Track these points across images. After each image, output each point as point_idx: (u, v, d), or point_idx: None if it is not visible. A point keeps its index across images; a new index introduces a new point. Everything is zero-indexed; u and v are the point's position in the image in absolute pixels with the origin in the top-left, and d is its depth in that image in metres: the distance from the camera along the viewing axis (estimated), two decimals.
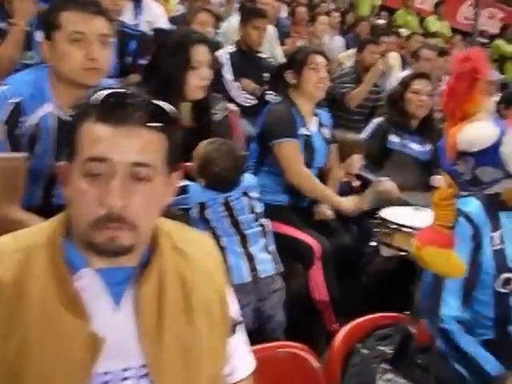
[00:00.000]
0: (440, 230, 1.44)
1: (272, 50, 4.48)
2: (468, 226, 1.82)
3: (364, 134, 3.20)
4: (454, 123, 1.37)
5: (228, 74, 3.54)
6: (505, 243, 1.89)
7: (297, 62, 2.65)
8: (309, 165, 2.62)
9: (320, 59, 2.65)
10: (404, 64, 5.67)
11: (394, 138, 3.12)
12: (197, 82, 2.19)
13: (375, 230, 2.68)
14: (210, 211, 2.08)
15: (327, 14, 6.10)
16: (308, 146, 2.61)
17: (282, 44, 5.15)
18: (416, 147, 3.17)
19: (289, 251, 2.36)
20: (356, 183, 3.06)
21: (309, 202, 2.68)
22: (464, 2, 13.28)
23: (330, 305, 2.38)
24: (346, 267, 2.55)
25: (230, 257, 2.03)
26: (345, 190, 2.96)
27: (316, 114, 2.74)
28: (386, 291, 2.61)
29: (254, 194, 2.20)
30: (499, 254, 1.88)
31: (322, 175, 2.80)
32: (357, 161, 2.97)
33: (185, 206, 2.08)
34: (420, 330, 1.94)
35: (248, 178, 2.21)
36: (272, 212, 2.36)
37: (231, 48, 3.69)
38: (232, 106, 3.25)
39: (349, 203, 2.55)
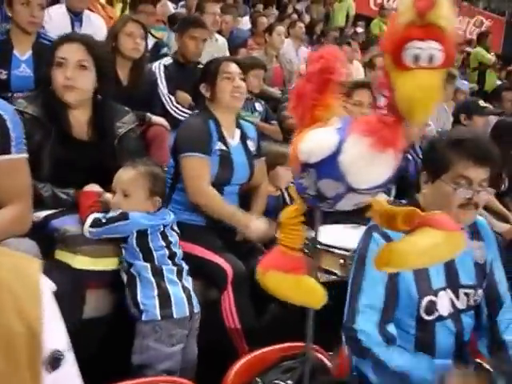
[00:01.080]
0: (287, 252, 1.22)
1: None
2: (382, 243, 1.60)
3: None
4: (303, 130, 1.13)
5: (162, 86, 3.31)
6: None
7: (210, 73, 2.46)
8: (227, 181, 2.41)
9: (233, 68, 2.46)
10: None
11: None
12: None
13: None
14: (150, 239, 1.96)
15: (292, 24, 5.89)
16: (226, 161, 2.40)
17: (237, 55, 4.97)
18: None
19: (203, 275, 2.20)
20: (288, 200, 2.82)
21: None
22: None
23: (242, 334, 2.14)
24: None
25: (171, 289, 1.95)
26: (276, 206, 2.72)
27: (239, 126, 2.50)
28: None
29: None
30: (422, 274, 1.66)
31: (251, 192, 2.57)
32: (282, 173, 2.73)
33: (122, 235, 1.94)
34: (340, 362, 1.72)
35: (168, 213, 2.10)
36: (187, 232, 2.19)
37: (167, 60, 3.47)
38: (159, 120, 3.03)
39: (258, 226, 2.29)
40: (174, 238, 2.04)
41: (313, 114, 1.13)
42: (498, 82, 8.00)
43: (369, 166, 1.00)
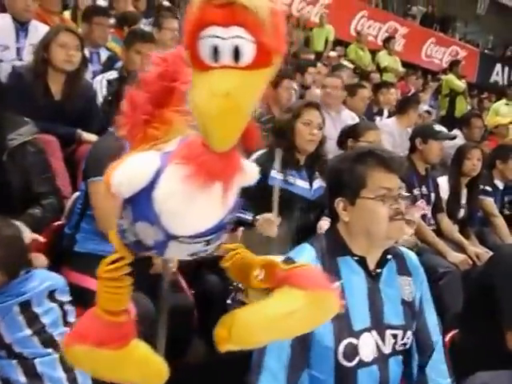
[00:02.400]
0: (103, 318, 0.84)
1: None
2: None
3: None
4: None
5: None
6: (347, 299, 1.39)
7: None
8: None
9: None
10: None
11: (276, 174, 2.53)
12: None
13: (231, 287, 2.10)
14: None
15: None
16: None
17: None
18: (303, 185, 2.57)
19: None
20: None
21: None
22: (426, 41, 13.07)
23: None
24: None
25: None
26: None
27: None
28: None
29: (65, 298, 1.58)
30: (340, 313, 1.33)
31: None
32: None
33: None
34: None
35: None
36: (93, 264, 1.74)
37: (111, 74, 3.13)
38: (90, 137, 2.69)
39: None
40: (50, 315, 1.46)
41: (145, 132, 0.79)
42: (469, 108, 7.81)
43: (187, 206, 0.66)
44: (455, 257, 2.91)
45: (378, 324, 1.43)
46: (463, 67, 12.92)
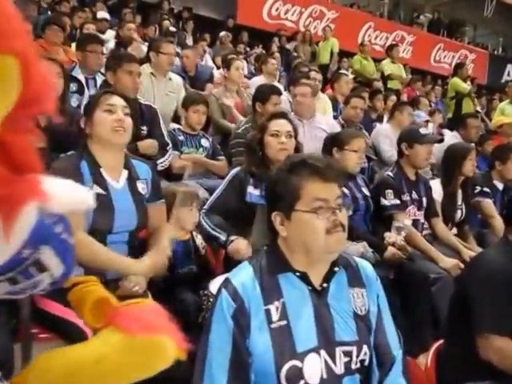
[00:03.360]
0: None
1: (178, 99, 3.88)
2: (229, 304, 1.25)
3: (219, 188, 2.50)
4: None
5: None
6: (289, 319, 1.26)
7: (90, 106, 2.03)
8: (109, 229, 1.95)
9: (115, 100, 2.02)
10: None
11: (252, 190, 2.41)
12: None
13: (203, 306, 2.00)
14: None
15: (264, 61, 5.50)
16: (104, 207, 1.93)
17: (202, 90, 4.61)
18: None
19: (60, 337, 1.63)
20: (202, 243, 2.36)
21: (112, 274, 1.95)
22: (434, 47, 12.78)
23: None
24: None
25: None
26: (187, 252, 2.28)
27: (128, 167, 2.06)
28: None
29: None
30: (283, 333, 1.25)
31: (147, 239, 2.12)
32: (185, 214, 2.28)
33: None
34: None
35: None
36: None
37: None
38: None
39: (141, 269, 1.83)
40: None
41: None
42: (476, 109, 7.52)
43: None
44: (446, 262, 2.72)
45: (328, 342, 1.29)
46: (473, 70, 12.66)
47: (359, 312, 1.36)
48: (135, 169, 2.09)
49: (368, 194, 2.95)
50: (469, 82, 7.63)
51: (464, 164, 3.22)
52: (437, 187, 3.25)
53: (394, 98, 5.64)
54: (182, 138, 3.37)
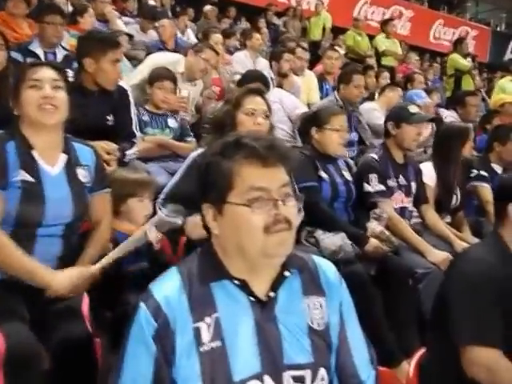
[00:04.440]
0: None
1: None
2: (149, 322, 1.03)
3: (177, 175, 2.23)
4: None
5: None
6: (224, 338, 1.02)
7: (15, 82, 1.77)
8: (39, 223, 1.69)
9: (42, 73, 1.75)
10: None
11: None
12: None
13: None
14: None
15: (248, 36, 5.19)
16: (32, 196, 1.68)
17: None
18: None
19: None
20: (157, 237, 2.10)
21: None
22: (433, 23, 12.40)
23: None
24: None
25: None
26: (140, 249, 2.03)
27: (67, 151, 1.80)
28: None
29: None
30: (219, 357, 1.01)
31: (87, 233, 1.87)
32: (135, 206, 2.03)
33: None
34: None
35: None
36: None
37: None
38: None
39: (62, 282, 1.59)
40: None
41: None
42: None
43: None
44: (435, 255, 2.47)
45: (274, 366, 1.05)
46: (474, 47, 12.30)
47: (316, 326, 1.11)
48: (76, 153, 1.83)
49: (350, 178, 2.68)
50: (469, 59, 7.31)
51: (462, 145, 2.97)
52: (428, 171, 3.00)
53: (386, 75, 5.35)
54: (146, 118, 3.08)
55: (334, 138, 2.56)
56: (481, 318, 1.44)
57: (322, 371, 1.08)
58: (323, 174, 2.54)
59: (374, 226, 2.49)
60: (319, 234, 2.38)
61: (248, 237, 1.02)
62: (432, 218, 2.85)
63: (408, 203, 2.81)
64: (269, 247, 1.01)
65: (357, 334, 1.17)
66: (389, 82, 5.03)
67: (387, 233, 2.48)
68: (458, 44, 7.16)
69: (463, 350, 1.46)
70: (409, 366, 1.74)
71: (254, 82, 2.75)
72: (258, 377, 1.03)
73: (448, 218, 3.17)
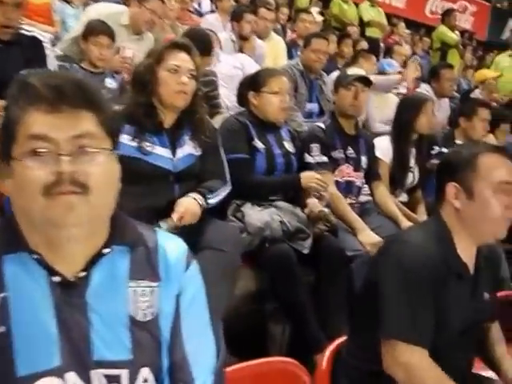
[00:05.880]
0: None
1: None
2: None
3: None
4: None
5: None
6: (10, 324, 0.86)
7: None
8: None
9: None
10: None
11: (126, 140, 1.94)
12: None
13: None
14: None
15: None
16: None
17: None
18: (164, 153, 1.98)
19: None
20: None
21: None
22: None
23: None
24: None
25: None
26: None
27: None
28: None
29: None
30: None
31: None
32: None
33: None
34: None
35: None
36: None
37: None
38: None
39: None
40: None
41: None
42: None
43: None
44: (366, 236, 2.28)
45: (78, 362, 0.87)
46: (473, 23, 11.93)
47: (140, 318, 0.92)
48: None
49: (292, 150, 2.48)
50: (457, 32, 7.05)
51: (418, 118, 2.78)
52: (384, 146, 2.81)
53: (364, 44, 5.10)
54: (80, 75, 2.86)
55: (273, 102, 2.35)
56: (412, 313, 1.28)
57: (145, 371, 0.91)
58: (258, 144, 2.34)
59: (313, 203, 2.31)
60: (247, 208, 2.19)
61: (27, 199, 0.82)
62: (382, 196, 2.67)
63: (357, 178, 2.63)
64: (50, 213, 0.81)
65: (198, 331, 0.98)
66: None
67: (326, 211, 2.30)
68: (446, 16, 6.90)
69: (386, 344, 1.30)
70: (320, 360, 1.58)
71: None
72: (57, 373, 0.85)
73: (404, 197, 3.00)
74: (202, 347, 0.98)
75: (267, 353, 2.08)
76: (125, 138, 1.93)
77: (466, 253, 1.37)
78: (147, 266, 0.95)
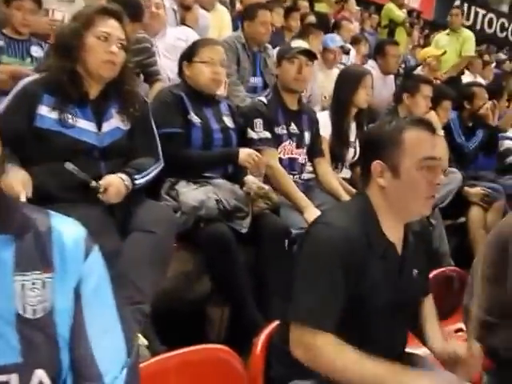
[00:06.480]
0: None
1: None
2: None
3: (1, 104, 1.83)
4: None
5: None
6: None
7: None
8: None
9: None
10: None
11: (45, 111, 1.77)
12: None
13: None
14: None
15: None
16: None
17: None
18: (88, 127, 1.81)
19: None
20: None
21: None
22: None
23: None
24: None
25: None
26: None
27: None
28: None
29: None
30: None
31: None
32: None
33: None
34: None
35: None
36: None
37: None
38: None
39: None
40: None
41: None
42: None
43: None
44: (311, 214, 2.22)
45: None
46: (420, 3, 12.05)
47: (29, 315, 0.80)
48: None
49: (231, 125, 2.37)
50: (404, 10, 7.07)
51: (357, 92, 2.73)
52: (324, 121, 2.74)
53: (312, 18, 5.00)
54: (1, 43, 2.63)
55: (204, 72, 2.23)
56: (320, 298, 1.23)
57: (40, 374, 0.80)
58: (194, 118, 2.21)
59: (251, 180, 2.21)
60: (181, 186, 2.07)
61: None
62: (324, 173, 2.61)
63: (299, 155, 2.55)
64: None
65: (104, 325, 0.88)
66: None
67: (266, 187, 2.21)
68: None
69: (292, 326, 1.26)
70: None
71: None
72: None
73: (347, 173, 2.96)
74: (109, 341, 0.88)
75: (206, 338, 1.99)
76: (43, 110, 1.77)
77: (393, 231, 1.33)
78: (37, 255, 0.83)
